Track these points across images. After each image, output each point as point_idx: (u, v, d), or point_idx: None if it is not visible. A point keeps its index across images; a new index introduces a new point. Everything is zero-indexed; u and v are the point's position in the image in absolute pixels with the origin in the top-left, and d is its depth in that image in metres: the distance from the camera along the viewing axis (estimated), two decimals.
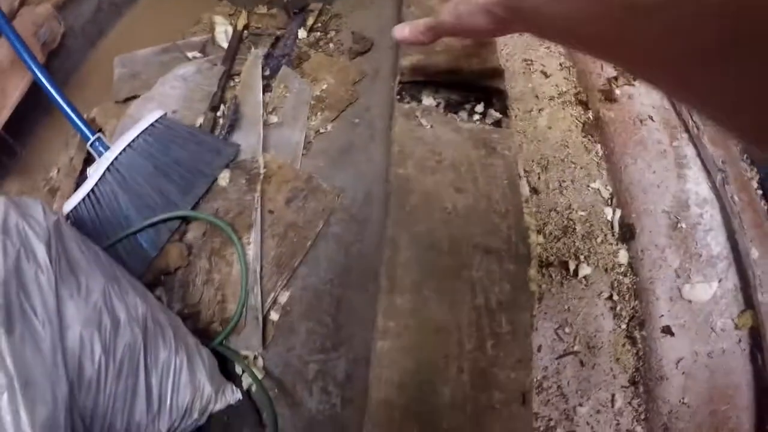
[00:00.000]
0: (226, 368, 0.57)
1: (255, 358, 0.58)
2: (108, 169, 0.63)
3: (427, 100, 0.49)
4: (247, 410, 0.56)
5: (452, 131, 0.46)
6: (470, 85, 0.49)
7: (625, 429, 0.45)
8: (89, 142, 0.64)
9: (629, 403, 0.46)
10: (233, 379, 0.57)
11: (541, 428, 0.46)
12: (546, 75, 0.64)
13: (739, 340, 0.50)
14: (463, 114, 0.49)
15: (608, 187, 0.57)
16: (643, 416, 0.46)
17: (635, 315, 0.50)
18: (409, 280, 0.39)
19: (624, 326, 0.50)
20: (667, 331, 0.49)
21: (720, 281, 0.53)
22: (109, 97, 0.78)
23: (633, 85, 0.62)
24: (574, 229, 0.53)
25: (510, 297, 0.39)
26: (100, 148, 0.64)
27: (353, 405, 0.52)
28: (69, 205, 0.62)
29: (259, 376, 0.56)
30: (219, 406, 0.51)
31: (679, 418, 0.44)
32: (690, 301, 0.51)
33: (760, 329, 0.49)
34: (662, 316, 0.49)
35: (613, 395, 0.47)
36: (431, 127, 0.47)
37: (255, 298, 0.59)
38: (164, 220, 0.62)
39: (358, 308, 0.58)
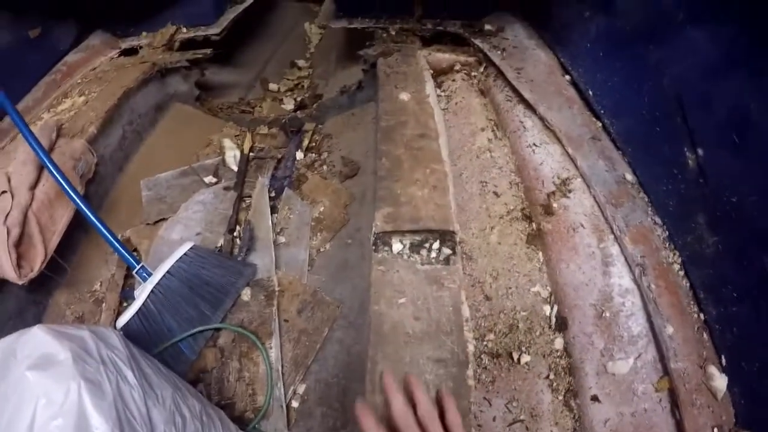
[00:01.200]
0: None
1: None
2: (152, 291, 0.89)
3: (396, 246, 0.77)
4: None
5: (412, 273, 0.75)
6: (428, 229, 0.77)
7: None
8: (135, 270, 0.91)
9: None
10: None
11: None
12: (497, 195, 0.91)
13: (660, 400, 0.74)
14: (424, 252, 0.77)
15: (547, 288, 0.82)
16: None
17: (570, 388, 0.75)
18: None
19: (561, 397, 0.75)
20: (595, 399, 0.74)
21: (639, 356, 0.77)
22: (140, 218, 1.07)
23: (568, 197, 0.87)
24: (518, 326, 0.79)
25: (454, 391, 0.65)
26: (144, 274, 0.91)
27: None
28: (122, 321, 0.89)
29: None
30: None
31: None
32: (613, 374, 0.76)
33: (676, 390, 0.73)
34: (590, 387, 0.74)
35: None
36: (397, 272, 0.75)
37: (279, 391, 0.86)
38: (201, 331, 0.89)
39: (360, 395, 0.83)
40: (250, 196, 1.04)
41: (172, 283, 0.90)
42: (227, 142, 1.09)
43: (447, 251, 0.76)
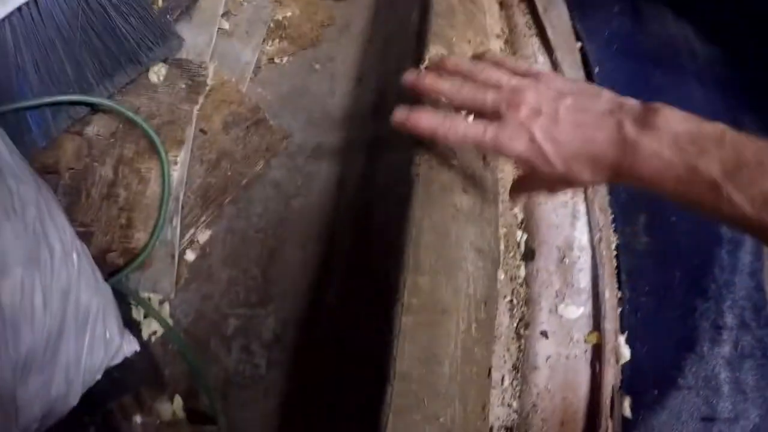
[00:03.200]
0: None
1: (161, 303, 0.62)
2: (19, 8, 0.58)
3: None
4: (145, 365, 0.58)
5: None
6: None
7: (506, 403, 0.74)
8: None
9: (511, 383, 0.76)
10: (129, 326, 0.56)
11: None
12: None
13: (585, 351, 0.86)
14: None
15: (522, 214, 0.87)
16: (518, 395, 0.76)
17: (523, 318, 0.81)
18: (429, 262, 0.55)
19: (515, 324, 0.80)
20: (544, 334, 0.81)
21: (583, 307, 0.89)
22: None
23: None
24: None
25: (487, 290, 0.60)
26: None
27: (281, 368, 0.62)
28: None
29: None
30: (116, 360, 0.51)
31: (543, 399, 0.75)
32: (562, 317, 0.85)
33: (601, 346, 0.86)
34: (542, 323, 0.81)
35: (503, 376, 0.76)
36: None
37: (173, 232, 0.64)
38: (72, 102, 0.61)
39: (293, 266, 0.67)
40: None
41: (57, 10, 0.60)
42: None
43: None
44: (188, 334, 0.62)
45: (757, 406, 0.75)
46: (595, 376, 0.82)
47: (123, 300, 0.58)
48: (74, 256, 0.46)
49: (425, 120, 0.48)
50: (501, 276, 0.78)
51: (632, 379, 0.80)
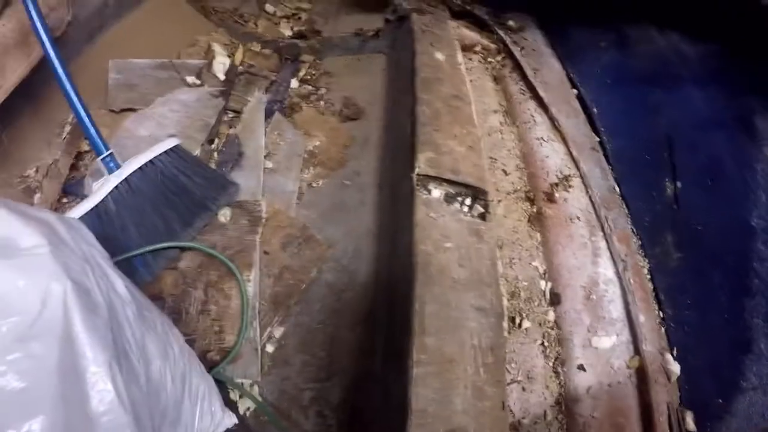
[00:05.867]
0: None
1: (251, 385, 0.86)
2: (117, 186, 0.86)
3: (435, 192, 0.88)
4: None
5: (456, 221, 0.86)
6: (466, 184, 0.91)
7: None
8: (101, 156, 0.87)
9: (556, 417, 0.90)
10: (229, 405, 0.81)
11: None
12: (506, 173, 1.12)
13: (630, 376, 0.98)
14: (456, 205, 0.89)
15: (543, 266, 1.06)
16: (565, 426, 0.89)
17: (559, 356, 0.97)
18: (433, 326, 0.74)
19: (551, 364, 0.96)
20: (581, 368, 0.94)
21: (617, 336, 1.03)
22: (98, 99, 1.04)
23: (568, 191, 1.15)
24: (519, 294, 0.96)
25: (492, 340, 0.76)
26: (111, 164, 0.87)
27: (348, 426, 0.84)
28: (74, 214, 0.84)
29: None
30: (220, 429, 0.74)
31: (591, 427, 0.85)
32: (596, 348, 1.00)
33: (644, 369, 0.98)
34: (578, 357, 0.95)
35: (545, 411, 0.91)
36: (443, 216, 0.86)
37: (254, 332, 0.88)
38: (167, 248, 0.89)
39: (348, 345, 0.90)
40: (235, 111, 1.06)
41: (143, 184, 0.89)
42: (218, 48, 1.12)
43: (480, 209, 0.90)
44: (274, 407, 0.85)
45: None
46: (643, 396, 0.95)
47: (222, 386, 0.82)
48: (186, 353, 0.71)
49: None
50: (528, 324, 0.97)
51: (691, 393, 0.90)
